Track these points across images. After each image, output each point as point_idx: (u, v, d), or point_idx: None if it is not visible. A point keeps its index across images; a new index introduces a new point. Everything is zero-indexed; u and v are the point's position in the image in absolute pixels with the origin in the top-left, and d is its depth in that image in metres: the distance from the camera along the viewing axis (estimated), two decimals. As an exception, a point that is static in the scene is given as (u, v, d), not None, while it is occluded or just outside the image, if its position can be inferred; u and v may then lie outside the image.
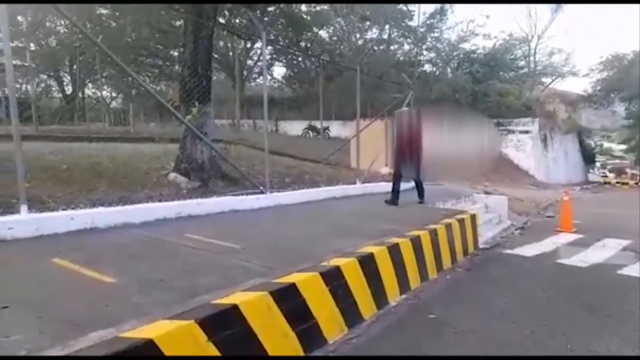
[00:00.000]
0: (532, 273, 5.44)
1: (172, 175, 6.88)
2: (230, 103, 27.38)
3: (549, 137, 29.11)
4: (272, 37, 24.49)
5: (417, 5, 26.32)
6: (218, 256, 4.04)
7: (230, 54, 28.73)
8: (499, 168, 22.39)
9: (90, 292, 2.99)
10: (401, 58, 29.99)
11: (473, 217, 6.57)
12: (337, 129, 23.71)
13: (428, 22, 29.20)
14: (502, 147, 26.16)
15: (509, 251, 6.57)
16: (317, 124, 23.78)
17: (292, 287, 3.11)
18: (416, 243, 4.77)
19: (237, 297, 2.81)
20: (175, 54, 28.50)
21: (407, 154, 7.52)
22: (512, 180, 21.84)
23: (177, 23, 19.30)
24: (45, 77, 33.61)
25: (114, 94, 35.98)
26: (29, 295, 2.88)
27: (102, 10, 25.72)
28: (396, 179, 7.62)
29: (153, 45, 28.17)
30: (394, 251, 4.32)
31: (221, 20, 17.48)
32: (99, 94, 35.90)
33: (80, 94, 33.31)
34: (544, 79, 38.70)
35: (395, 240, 4.52)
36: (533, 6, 37.51)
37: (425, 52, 30.74)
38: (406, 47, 30.85)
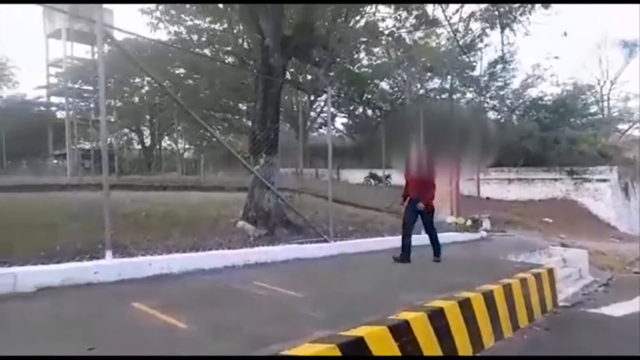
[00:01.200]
0: (622, 336, 4.93)
1: (240, 223, 7.13)
2: (293, 152, 28.26)
3: (631, 186, 27.01)
4: (335, 91, 25.36)
5: (478, 55, 26.28)
6: (284, 305, 4.07)
7: (295, 106, 29.98)
8: (575, 218, 20.99)
9: (165, 337, 3.11)
10: (464, 106, 29.73)
11: (550, 272, 6.15)
12: (398, 177, 23.59)
13: (489, 71, 28.96)
14: (577, 197, 24.60)
15: (594, 310, 6.03)
16: (378, 172, 23.82)
17: (360, 341, 3.05)
18: (489, 298, 4.52)
19: (305, 349, 2.80)
20: (244, 107, 30.28)
21: (415, 199, 6.54)
22: (590, 231, 20.29)
23: (247, 80, 20.55)
24: (127, 130, 36.73)
25: (186, 146, 38.42)
26: (111, 338, 3.04)
27: (180, 70, 28.11)
28: (405, 229, 6.63)
29: (224, 101, 30.11)
30: (465, 306, 4.13)
31: (288, 75, 18.50)
32: (174, 146, 38.59)
33: (157, 146, 36.01)
34: (620, 125, 36.49)
35: (466, 294, 4.33)
36: (604, 52, 36.15)
37: (489, 100, 30.32)
38: (469, 95, 30.65)
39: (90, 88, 31.06)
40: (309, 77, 21.73)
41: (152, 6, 11.84)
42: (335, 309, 3.89)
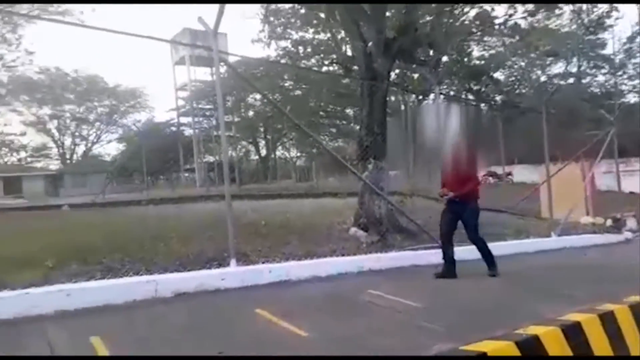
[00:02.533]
0: None
1: (352, 230, 7.18)
2: (403, 153, 27.79)
3: None
4: (445, 87, 24.43)
5: (609, 32, 23.26)
6: (400, 315, 3.99)
7: (402, 106, 29.50)
8: None
9: (286, 344, 3.24)
10: (595, 90, 26.55)
11: None
12: (521, 173, 21.82)
13: (625, 46, 25.42)
14: None
15: None
16: (498, 169, 22.33)
17: (483, 357, 2.85)
18: (638, 312, 3.93)
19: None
20: (351, 112, 30.71)
21: (452, 201, 5.41)
22: None
23: (354, 86, 20.79)
24: (245, 143, 39.52)
25: (298, 154, 40.10)
26: (238, 343, 3.26)
27: (289, 82, 29.44)
28: (443, 237, 5.61)
29: (331, 108, 30.82)
30: (609, 321, 3.63)
31: (394, 75, 18.24)
32: (287, 155, 40.56)
33: (272, 156, 38.13)
34: None
35: (609, 306, 3.81)
36: None
37: (626, 82, 26.63)
38: (600, 77, 27.27)
39: (212, 107, 34.08)
40: (416, 75, 21.22)
41: (261, 27, 12.57)
42: (455, 321, 3.70)
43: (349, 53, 11.91)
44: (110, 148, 48.70)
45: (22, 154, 40.73)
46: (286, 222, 7.80)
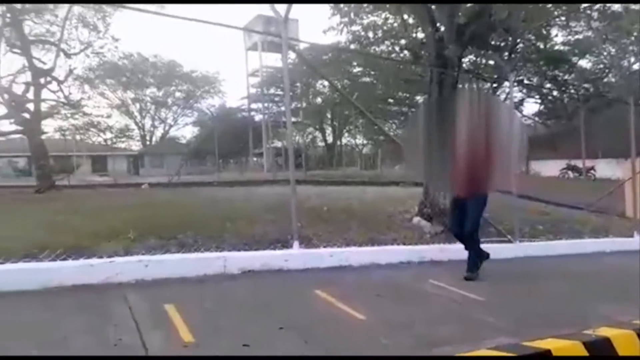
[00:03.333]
0: None
1: (416, 219, 7.11)
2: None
3: None
4: (521, 75, 23.07)
5: None
6: (461, 307, 3.94)
7: (475, 95, 28.27)
8: None
9: (344, 325, 3.34)
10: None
11: None
12: (605, 168, 20.21)
13: None
14: None
15: None
16: (579, 163, 20.85)
17: (547, 354, 2.76)
18: None
19: (481, 353, 2.67)
20: (420, 99, 29.98)
21: (459, 184, 4.81)
22: None
23: (424, 73, 20.25)
24: (311, 129, 39.95)
25: (364, 141, 39.93)
26: (298, 320, 3.40)
27: (357, 68, 29.23)
28: (458, 238, 5.19)
29: (400, 94, 30.23)
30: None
31: (465, 61, 17.54)
32: (353, 142, 40.54)
33: (338, 143, 38.27)
34: None
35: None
36: None
37: None
38: None
39: (281, 93, 34.75)
40: (491, 62, 20.22)
41: (332, 11, 12.54)
42: (519, 317, 3.61)
43: (419, 39, 11.63)
44: (185, 131, 51.39)
45: (108, 135, 44.03)
46: (348, 209, 7.87)
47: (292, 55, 34.13)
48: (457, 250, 6.03)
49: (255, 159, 42.76)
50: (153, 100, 43.41)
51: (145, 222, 6.18)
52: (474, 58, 21.07)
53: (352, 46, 18.97)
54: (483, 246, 6.28)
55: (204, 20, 5.63)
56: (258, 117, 38.65)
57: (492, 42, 8.37)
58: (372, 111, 26.03)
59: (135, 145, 46.54)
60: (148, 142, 45.53)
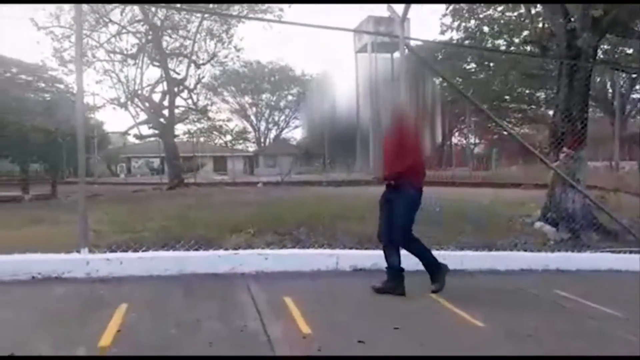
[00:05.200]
0: None
1: (538, 224, 6.57)
2: (606, 143, 23.91)
3: None
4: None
5: None
6: (593, 321, 3.57)
7: (609, 88, 25.31)
8: None
9: (461, 331, 3.23)
10: None
11: None
12: None
13: None
14: None
15: None
16: None
17: None
18: None
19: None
20: (541, 95, 27.58)
21: (388, 188, 4.06)
22: None
23: (548, 66, 18.64)
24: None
25: (476, 141, 37.83)
26: (412, 322, 3.37)
27: (470, 65, 27.90)
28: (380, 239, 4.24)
29: (518, 90, 28.19)
30: None
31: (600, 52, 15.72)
32: (464, 141, 38.70)
33: (448, 142, 36.82)
34: None
35: None
36: None
37: None
38: None
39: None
40: (630, 50, 17.87)
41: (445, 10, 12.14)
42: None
43: (546, 30, 10.67)
44: (296, 133, 53.57)
45: (228, 137, 47.67)
46: (461, 210, 7.54)
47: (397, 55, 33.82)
48: (587, 259, 5.51)
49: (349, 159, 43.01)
50: (267, 104, 46.02)
51: (263, 218, 6.60)
52: (608, 47, 18.81)
53: (467, 42, 18.23)
54: (618, 255, 5.65)
55: (320, 26, 5.86)
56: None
57: (636, 29, 7.37)
58: (488, 109, 24.67)
59: (251, 147, 49.74)
60: (262, 144, 48.36)
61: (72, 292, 3.75)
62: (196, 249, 4.60)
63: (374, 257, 4.83)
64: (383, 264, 4.78)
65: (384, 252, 4.11)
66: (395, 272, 4.03)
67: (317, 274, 4.59)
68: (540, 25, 10.10)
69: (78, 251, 4.21)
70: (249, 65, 38.82)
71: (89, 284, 3.97)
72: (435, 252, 5.13)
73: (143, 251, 4.40)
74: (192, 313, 3.36)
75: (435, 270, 4.02)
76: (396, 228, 3.95)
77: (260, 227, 5.85)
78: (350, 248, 5.17)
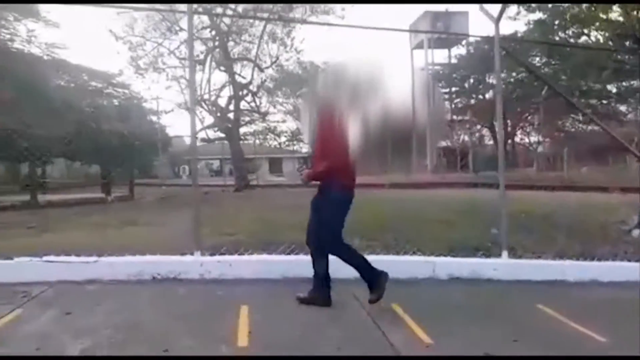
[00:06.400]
0: None
1: (637, 232, 6.24)
2: None
3: None
4: None
5: None
6: None
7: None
8: None
9: (583, 345, 3.16)
10: None
11: None
12: None
13: None
14: None
15: None
16: None
17: None
18: None
19: None
20: (612, 89, 25.95)
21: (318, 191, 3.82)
22: None
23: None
24: (478, 127, 37.78)
25: (540, 139, 36.19)
26: (528, 334, 3.32)
27: (536, 59, 26.75)
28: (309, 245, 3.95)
29: (587, 85, 26.69)
30: None
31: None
32: (527, 140, 37.16)
33: (509, 141, 35.47)
34: None
35: None
36: None
37: None
38: None
39: (447, 90, 33.71)
40: None
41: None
42: None
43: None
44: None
45: (282, 139, 48.41)
46: (549, 216, 7.30)
47: (461, 50, 32.84)
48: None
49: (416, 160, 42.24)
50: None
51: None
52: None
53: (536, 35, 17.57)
54: None
55: (378, 27, 5.95)
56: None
57: None
58: (554, 105, 23.62)
59: (305, 148, 50.25)
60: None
61: (192, 292, 4.01)
62: (296, 253, 4.75)
63: (472, 265, 4.82)
64: (482, 272, 4.78)
65: (311, 258, 3.82)
66: (320, 280, 3.75)
67: (414, 281, 4.60)
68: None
69: (191, 253, 4.49)
70: (303, 66, 39.25)
71: (204, 284, 4.22)
72: (534, 261, 5.06)
73: (249, 254, 4.62)
74: (308, 316, 3.50)
75: (373, 277, 3.73)
76: (323, 232, 3.71)
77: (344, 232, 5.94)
78: (439, 255, 5.14)
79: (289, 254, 4.79)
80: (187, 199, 14.06)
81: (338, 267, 4.54)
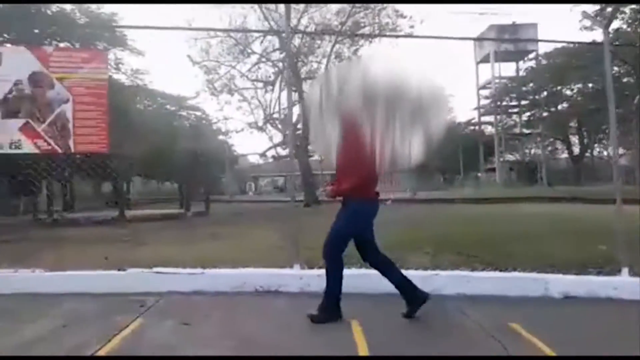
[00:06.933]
0: None
1: None
2: None
3: None
4: None
5: None
6: None
7: None
8: None
9: None
10: None
11: None
12: None
13: None
14: None
15: None
16: None
17: None
18: None
19: None
20: None
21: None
22: None
23: None
24: (551, 140, 35.90)
25: (620, 151, 33.71)
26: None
27: (615, 68, 25.08)
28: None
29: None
30: None
31: None
32: (605, 153, 34.73)
33: (586, 154, 33.34)
34: None
35: None
36: None
37: None
38: None
39: (516, 103, 32.43)
40: None
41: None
42: None
43: None
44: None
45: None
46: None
47: (531, 62, 31.55)
48: None
49: (479, 174, 40.95)
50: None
51: (428, 237, 6.50)
52: None
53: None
54: None
55: (442, 37, 5.68)
56: (489, 131, 36.96)
57: None
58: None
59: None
60: (377, 160, 48.41)
61: (296, 305, 3.97)
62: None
63: (589, 284, 4.43)
64: (600, 292, 4.38)
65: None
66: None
67: (524, 299, 4.28)
68: None
69: (290, 266, 4.48)
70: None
71: (306, 298, 4.16)
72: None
73: (348, 268, 4.54)
74: (420, 333, 3.34)
75: (330, 302, 3.57)
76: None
77: (434, 248, 5.74)
78: (547, 272, 4.78)
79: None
80: (261, 214, 14.46)
81: (445, 284, 4.39)
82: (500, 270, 4.73)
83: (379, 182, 3.71)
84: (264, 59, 17.23)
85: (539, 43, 32.23)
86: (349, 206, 3.58)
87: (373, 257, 3.71)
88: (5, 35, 12.17)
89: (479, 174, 39.73)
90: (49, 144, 4.18)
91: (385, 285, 3.93)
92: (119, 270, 4.47)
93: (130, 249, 6.61)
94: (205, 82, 17.88)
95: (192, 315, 3.64)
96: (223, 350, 2.95)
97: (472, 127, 38.11)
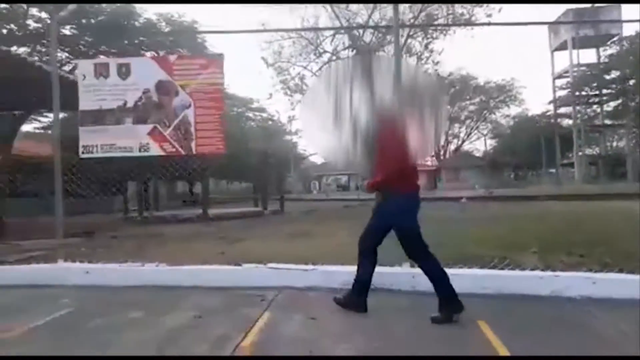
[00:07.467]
0: None
1: None
2: None
3: None
4: None
5: None
6: None
7: None
8: None
9: None
10: None
11: None
12: None
13: None
14: None
15: None
16: None
17: None
18: None
19: None
20: None
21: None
22: None
23: None
24: (638, 131, 33.16)
25: None
26: None
27: None
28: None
29: None
30: None
31: None
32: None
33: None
34: None
35: None
36: None
37: None
38: None
39: (597, 92, 30.26)
40: None
41: None
42: None
43: None
44: (479, 144, 51.04)
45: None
46: None
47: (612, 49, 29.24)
48: None
49: (552, 170, 38.69)
50: (447, 116, 45.01)
51: (530, 236, 6.22)
52: None
53: None
54: None
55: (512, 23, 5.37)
56: (565, 123, 34.80)
57: None
58: None
59: (430, 161, 49.10)
60: (442, 157, 47.26)
61: (414, 303, 3.94)
62: (501, 268, 4.47)
63: None
64: None
65: (358, 261, 3.77)
66: (360, 284, 3.70)
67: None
68: None
69: (399, 264, 4.46)
70: (442, 77, 38.45)
71: (420, 297, 4.11)
72: None
73: (459, 267, 4.45)
74: (555, 338, 3.18)
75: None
76: (363, 233, 3.73)
77: (540, 247, 5.49)
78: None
79: (491, 268, 4.53)
80: (333, 213, 14.56)
81: (566, 286, 4.16)
82: (627, 273, 4.41)
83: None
84: (334, 57, 17.31)
85: (623, 28, 29.59)
86: (386, 200, 3.60)
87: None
88: (104, 46, 13.12)
89: (553, 170, 37.59)
90: (174, 147, 4.46)
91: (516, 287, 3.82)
92: (235, 265, 4.66)
93: (228, 245, 6.87)
94: (278, 82, 18.24)
95: (315, 310, 3.71)
96: (359, 344, 2.99)
97: (546, 120, 36.06)
